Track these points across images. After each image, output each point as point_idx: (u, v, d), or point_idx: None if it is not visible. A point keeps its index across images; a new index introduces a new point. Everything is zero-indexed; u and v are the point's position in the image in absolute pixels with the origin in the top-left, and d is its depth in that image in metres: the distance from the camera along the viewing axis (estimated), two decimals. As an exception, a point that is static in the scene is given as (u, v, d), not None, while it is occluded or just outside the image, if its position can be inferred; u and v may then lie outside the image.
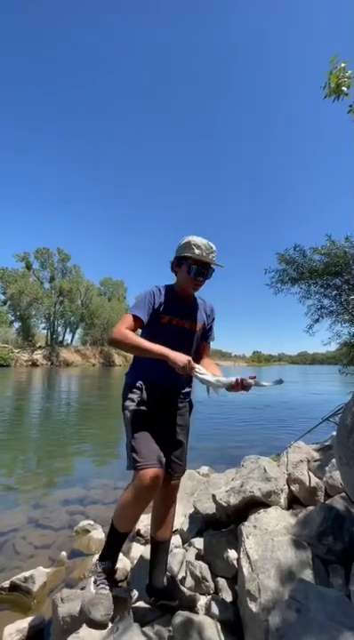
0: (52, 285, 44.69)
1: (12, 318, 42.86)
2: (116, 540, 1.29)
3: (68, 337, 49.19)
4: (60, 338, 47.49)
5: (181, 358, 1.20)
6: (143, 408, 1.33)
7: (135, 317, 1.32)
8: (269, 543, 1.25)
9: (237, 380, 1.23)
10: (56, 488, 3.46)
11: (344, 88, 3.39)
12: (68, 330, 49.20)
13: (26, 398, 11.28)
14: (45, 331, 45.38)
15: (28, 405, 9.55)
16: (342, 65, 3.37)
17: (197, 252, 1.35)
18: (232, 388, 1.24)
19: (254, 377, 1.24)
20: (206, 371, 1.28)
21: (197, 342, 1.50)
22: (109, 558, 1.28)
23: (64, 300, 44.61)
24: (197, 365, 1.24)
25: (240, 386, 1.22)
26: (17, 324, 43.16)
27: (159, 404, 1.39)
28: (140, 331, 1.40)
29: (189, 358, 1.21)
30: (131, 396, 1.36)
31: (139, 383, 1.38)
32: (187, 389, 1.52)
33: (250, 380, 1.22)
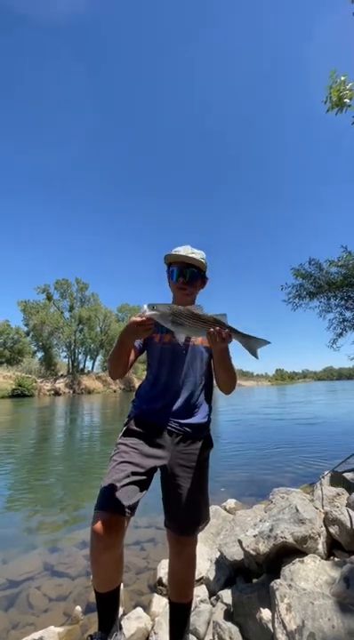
0: (72, 314, 46.08)
1: (35, 348, 44.25)
2: (99, 603, 1.08)
3: (88, 364, 49.95)
4: (81, 365, 48.22)
5: (129, 326, 1.08)
6: (127, 440, 1.18)
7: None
8: (309, 608, 1.03)
9: (214, 329, 1.07)
10: (74, 527, 3.27)
11: (347, 100, 3.38)
12: (88, 357, 50.04)
13: (48, 430, 11.26)
14: (67, 359, 46.35)
15: (49, 439, 9.49)
16: (342, 78, 3.39)
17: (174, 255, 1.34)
18: (209, 335, 1.08)
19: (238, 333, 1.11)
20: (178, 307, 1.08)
21: (204, 358, 1.32)
22: (101, 628, 1.08)
23: (84, 328, 45.70)
24: (149, 307, 1.05)
25: (218, 335, 1.07)
26: (40, 354, 44.47)
27: (154, 439, 1.20)
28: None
29: (135, 318, 1.05)
30: (123, 428, 1.27)
31: (131, 413, 1.30)
32: (193, 420, 1.25)
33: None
